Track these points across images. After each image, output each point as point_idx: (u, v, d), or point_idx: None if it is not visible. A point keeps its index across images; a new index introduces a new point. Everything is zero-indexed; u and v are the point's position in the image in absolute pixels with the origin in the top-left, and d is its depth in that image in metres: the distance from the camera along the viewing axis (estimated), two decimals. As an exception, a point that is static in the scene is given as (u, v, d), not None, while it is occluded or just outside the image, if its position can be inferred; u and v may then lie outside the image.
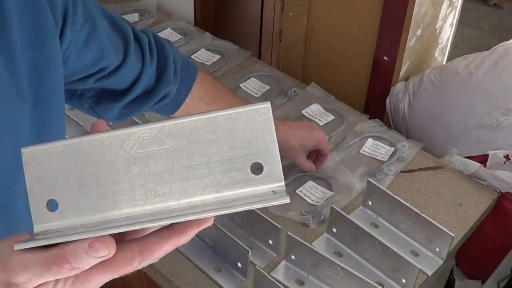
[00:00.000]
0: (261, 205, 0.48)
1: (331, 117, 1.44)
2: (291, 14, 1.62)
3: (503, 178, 1.24)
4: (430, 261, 1.10)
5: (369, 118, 1.46)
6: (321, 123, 1.42)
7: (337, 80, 1.60)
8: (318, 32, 1.60)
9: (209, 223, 0.49)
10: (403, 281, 1.04)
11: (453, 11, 1.53)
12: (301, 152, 1.20)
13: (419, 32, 1.43)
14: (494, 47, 1.42)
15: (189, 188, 0.50)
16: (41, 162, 0.50)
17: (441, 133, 1.40)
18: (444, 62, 1.62)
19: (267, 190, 0.50)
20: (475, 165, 1.27)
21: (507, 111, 1.29)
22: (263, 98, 1.51)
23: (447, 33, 1.57)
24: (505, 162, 1.27)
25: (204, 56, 1.66)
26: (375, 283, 0.99)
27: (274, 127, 0.50)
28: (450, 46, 1.63)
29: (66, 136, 0.68)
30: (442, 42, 1.57)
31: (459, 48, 3.08)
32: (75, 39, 0.71)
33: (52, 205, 0.50)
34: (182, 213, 0.48)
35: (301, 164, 1.22)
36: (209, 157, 0.50)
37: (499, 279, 1.28)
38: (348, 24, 1.51)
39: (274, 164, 0.50)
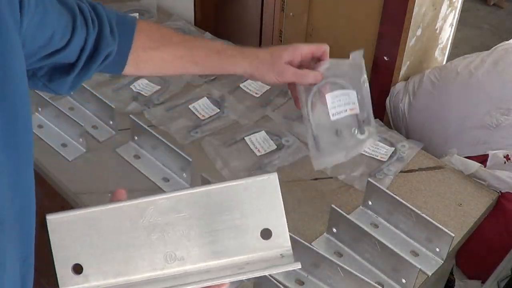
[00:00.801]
0: (274, 271, 0.55)
1: (331, 117, 1.44)
2: (291, 14, 1.62)
3: (503, 178, 1.24)
4: (430, 261, 1.10)
5: (369, 118, 1.46)
6: (321, 123, 1.42)
7: (337, 80, 1.60)
8: (318, 32, 1.60)
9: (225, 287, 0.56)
10: (403, 281, 1.04)
11: (453, 11, 1.53)
12: (288, 60, 1.01)
13: (419, 32, 1.43)
14: (494, 47, 1.42)
15: (205, 252, 0.56)
16: (66, 229, 0.55)
17: (441, 133, 1.40)
18: (444, 62, 1.62)
19: (275, 253, 0.57)
20: (475, 165, 1.27)
21: (507, 111, 1.29)
22: (263, 98, 1.51)
23: (447, 33, 1.57)
24: (505, 162, 1.27)
25: (204, 56, 1.65)
26: (375, 283, 0.99)
27: (281, 196, 0.57)
28: (450, 46, 1.63)
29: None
30: (442, 42, 1.57)
31: (459, 48, 3.07)
32: (30, 24, 0.70)
33: (77, 269, 0.55)
34: (200, 278, 0.54)
35: (296, 73, 1.01)
36: (223, 224, 0.56)
37: (499, 279, 1.28)
38: (348, 24, 1.51)
39: (281, 229, 0.57)
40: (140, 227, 0.55)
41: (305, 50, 1.02)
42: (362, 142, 1.02)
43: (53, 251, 0.55)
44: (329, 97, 1.00)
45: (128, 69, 0.96)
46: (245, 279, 0.53)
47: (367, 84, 1.04)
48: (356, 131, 1.01)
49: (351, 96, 1.01)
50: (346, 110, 0.99)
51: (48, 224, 0.55)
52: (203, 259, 0.55)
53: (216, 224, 0.55)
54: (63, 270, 0.54)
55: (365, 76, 1.04)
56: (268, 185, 0.56)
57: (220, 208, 0.56)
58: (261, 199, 0.56)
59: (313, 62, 1.04)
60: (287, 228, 0.57)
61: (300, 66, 1.03)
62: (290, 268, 0.56)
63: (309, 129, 1.01)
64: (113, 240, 0.55)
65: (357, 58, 1.03)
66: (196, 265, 0.55)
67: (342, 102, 1.00)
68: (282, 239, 0.57)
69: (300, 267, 0.55)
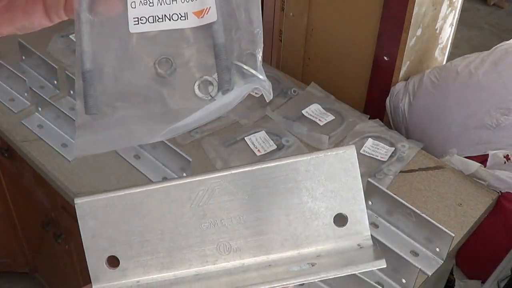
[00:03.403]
0: (351, 271, 0.45)
1: (331, 117, 1.44)
2: (291, 14, 1.62)
3: (503, 178, 1.24)
4: (430, 261, 1.10)
5: (369, 118, 1.46)
6: (321, 123, 1.42)
7: (337, 80, 1.60)
8: (318, 32, 1.60)
9: None
10: (403, 281, 1.04)
11: (453, 11, 1.53)
12: None
13: (419, 32, 1.43)
14: (494, 47, 1.42)
15: (266, 242, 0.46)
16: (98, 215, 0.45)
17: (441, 133, 1.40)
18: (444, 62, 1.62)
19: (352, 244, 0.48)
20: (475, 165, 1.27)
21: (507, 111, 1.29)
22: (263, 98, 1.50)
23: (447, 33, 1.57)
24: (505, 162, 1.27)
25: (204, 56, 1.65)
26: (375, 283, 0.99)
27: (359, 175, 0.46)
28: (450, 46, 1.63)
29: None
30: (442, 42, 1.57)
31: (459, 48, 3.07)
32: None
33: (112, 262, 0.46)
34: (262, 276, 0.44)
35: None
36: (287, 208, 0.45)
37: (499, 279, 1.28)
38: (348, 24, 1.51)
39: (359, 215, 0.48)
40: (187, 212, 0.45)
41: None
42: (207, 101, 0.47)
43: (83, 241, 0.45)
44: None
45: None
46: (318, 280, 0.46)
47: None
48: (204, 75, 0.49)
49: None
50: (185, 14, 0.43)
51: (77, 210, 0.45)
52: (264, 250, 0.45)
53: (279, 208, 0.45)
54: (96, 264, 0.45)
55: None
56: (345, 161, 0.45)
57: (285, 189, 0.45)
58: (336, 179, 0.45)
59: None
60: (366, 214, 0.48)
61: None
62: (372, 267, 0.45)
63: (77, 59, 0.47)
64: (155, 228, 0.45)
65: None
66: (256, 258, 0.45)
67: None
68: (361, 227, 0.48)
69: (385, 265, 0.45)
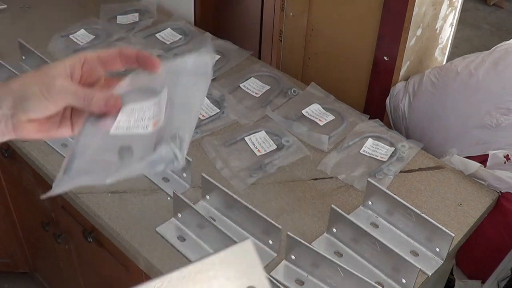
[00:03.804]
0: None
1: (331, 117, 1.45)
2: (291, 14, 1.62)
3: (503, 178, 1.24)
4: (430, 261, 1.10)
5: (369, 118, 1.46)
6: (321, 123, 1.42)
7: (337, 80, 1.60)
8: (318, 32, 1.60)
9: None
10: (403, 281, 1.04)
11: (453, 11, 1.53)
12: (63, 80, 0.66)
13: (419, 32, 1.43)
14: (494, 47, 1.42)
15: None
16: None
17: (441, 133, 1.40)
18: (444, 62, 1.62)
19: None
20: (475, 165, 1.27)
21: (507, 111, 1.29)
22: (263, 98, 1.51)
23: (447, 33, 1.57)
24: (505, 162, 1.27)
25: (204, 56, 1.65)
26: (375, 283, 0.99)
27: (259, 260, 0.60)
28: (450, 46, 1.63)
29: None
30: (442, 42, 1.57)
31: (459, 48, 3.08)
32: None
33: None
34: None
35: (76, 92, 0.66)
36: None
37: (499, 279, 1.28)
38: (348, 24, 1.51)
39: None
40: None
41: (89, 56, 0.69)
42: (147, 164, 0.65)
43: None
44: (124, 109, 0.68)
45: None
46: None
47: (197, 93, 0.71)
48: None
49: (161, 103, 0.69)
50: (147, 126, 0.67)
51: None
52: None
53: None
54: None
55: (201, 81, 0.71)
56: (245, 251, 0.61)
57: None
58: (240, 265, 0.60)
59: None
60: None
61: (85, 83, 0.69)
62: None
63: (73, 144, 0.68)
64: None
65: (203, 58, 0.72)
66: None
67: (146, 116, 0.68)
68: None
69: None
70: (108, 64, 0.69)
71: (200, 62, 0.71)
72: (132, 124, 0.68)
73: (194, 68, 0.71)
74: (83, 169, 0.66)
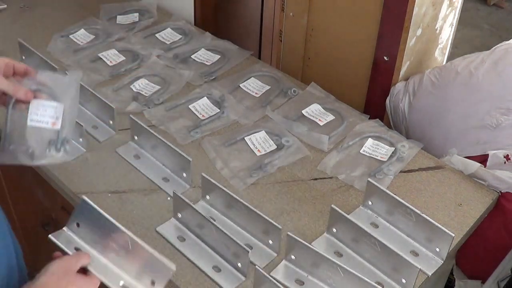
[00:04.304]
0: None
1: (331, 117, 1.45)
2: (291, 14, 1.62)
3: (503, 178, 1.24)
4: (430, 261, 1.10)
5: (369, 118, 1.46)
6: (321, 123, 1.42)
7: (337, 80, 1.60)
8: (318, 32, 1.60)
9: None
10: (403, 281, 1.04)
11: (453, 11, 1.53)
12: None
13: (419, 32, 1.43)
14: (494, 47, 1.42)
15: None
16: None
17: (441, 133, 1.40)
18: (444, 62, 1.62)
19: None
20: (475, 165, 1.27)
21: (507, 111, 1.29)
22: (263, 98, 1.51)
23: (447, 33, 1.57)
24: (505, 162, 1.27)
25: (204, 56, 1.66)
26: (375, 283, 0.99)
27: None
28: (450, 46, 1.63)
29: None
30: (442, 42, 1.57)
31: (459, 48, 3.07)
32: None
33: None
34: None
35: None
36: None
37: (499, 279, 1.28)
38: (348, 24, 1.51)
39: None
40: None
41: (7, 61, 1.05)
42: (50, 157, 1.07)
43: None
44: (34, 102, 1.04)
45: None
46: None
47: (76, 106, 1.09)
48: (51, 147, 1.06)
49: (58, 110, 1.05)
50: (48, 122, 1.04)
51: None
52: None
53: None
54: None
55: (77, 97, 1.09)
56: None
57: None
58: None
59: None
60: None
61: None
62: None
63: (6, 122, 1.05)
64: None
65: (74, 78, 1.10)
66: None
67: (47, 113, 1.04)
68: None
69: None
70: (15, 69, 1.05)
71: (75, 78, 1.09)
72: (39, 118, 1.03)
73: (76, 84, 1.08)
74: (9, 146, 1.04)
